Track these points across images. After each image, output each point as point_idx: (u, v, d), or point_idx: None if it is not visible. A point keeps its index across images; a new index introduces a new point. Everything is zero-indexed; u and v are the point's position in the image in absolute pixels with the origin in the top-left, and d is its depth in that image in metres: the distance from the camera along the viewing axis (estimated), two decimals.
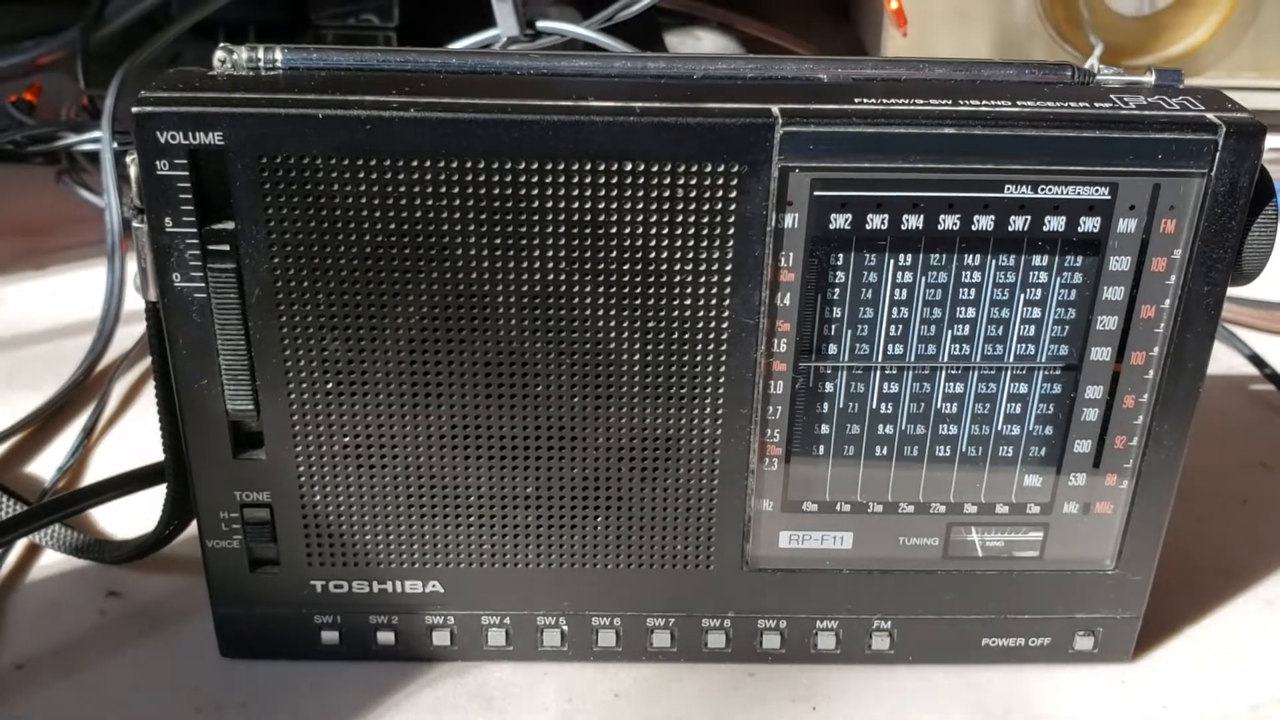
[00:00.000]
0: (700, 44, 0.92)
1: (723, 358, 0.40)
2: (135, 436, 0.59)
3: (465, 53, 0.40)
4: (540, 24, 0.69)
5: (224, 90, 0.37)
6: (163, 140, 0.36)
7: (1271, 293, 0.73)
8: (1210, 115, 0.37)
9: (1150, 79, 0.40)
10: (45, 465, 0.56)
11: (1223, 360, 0.67)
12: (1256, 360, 0.65)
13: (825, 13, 1.03)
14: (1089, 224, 0.38)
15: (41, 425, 0.59)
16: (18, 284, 0.72)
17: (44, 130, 0.79)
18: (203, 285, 0.38)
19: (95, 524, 0.53)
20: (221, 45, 0.39)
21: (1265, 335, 0.69)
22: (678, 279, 0.39)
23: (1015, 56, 0.93)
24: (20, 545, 0.50)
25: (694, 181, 0.37)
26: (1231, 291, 0.66)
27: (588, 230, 0.38)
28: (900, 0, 0.69)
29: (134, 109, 0.36)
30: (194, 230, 0.37)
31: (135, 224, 0.38)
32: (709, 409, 0.41)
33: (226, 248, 0.38)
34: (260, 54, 0.39)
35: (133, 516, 0.51)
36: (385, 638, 0.44)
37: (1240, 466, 0.59)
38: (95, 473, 0.56)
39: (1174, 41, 0.90)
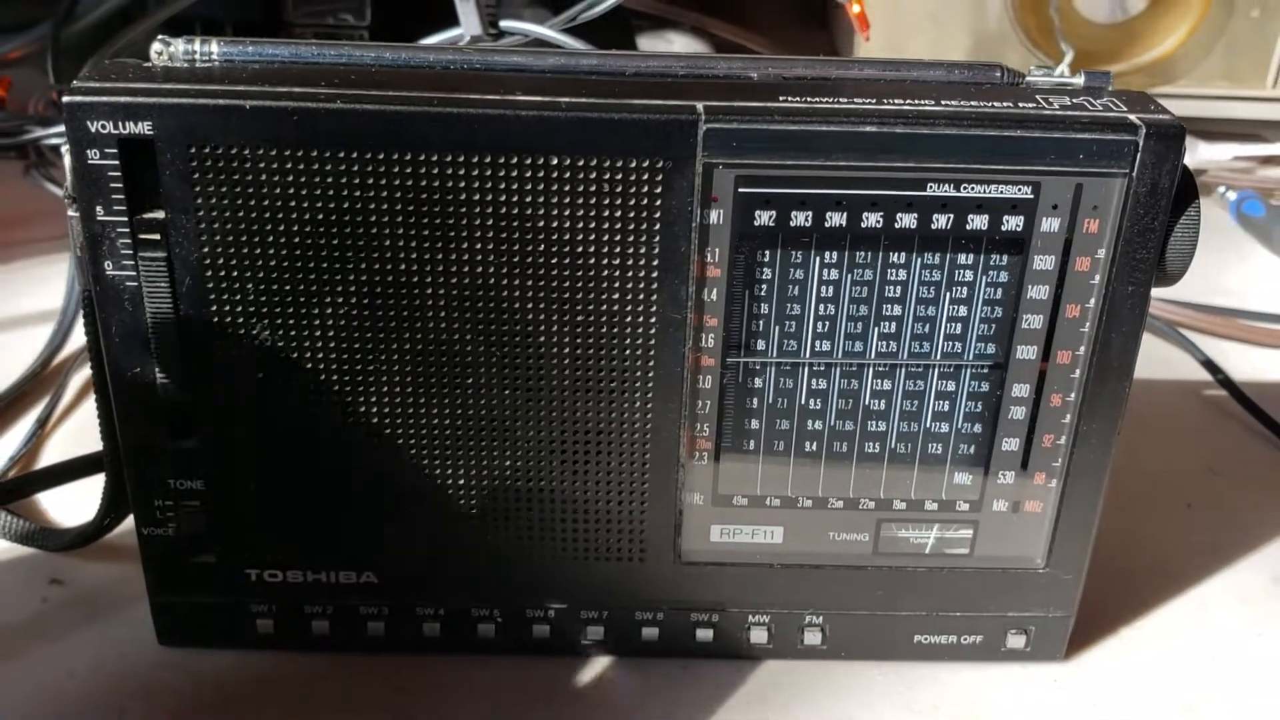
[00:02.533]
0: (672, 47, 0.92)
1: (651, 352, 0.40)
2: (90, 428, 0.58)
3: (400, 47, 0.41)
4: (504, 24, 0.69)
5: (156, 81, 0.37)
6: (93, 129, 0.36)
7: (1225, 298, 0.73)
8: (1132, 116, 0.37)
9: (1079, 81, 0.40)
10: (1, 453, 0.57)
11: (1176, 365, 0.67)
12: (1210, 365, 0.66)
13: (801, 17, 1.03)
14: (1012, 223, 0.38)
15: None
16: None
17: (12, 125, 0.79)
18: (134, 274, 0.38)
19: (45, 512, 0.53)
20: (159, 37, 0.40)
21: (1219, 340, 0.69)
22: (605, 274, 0.39)
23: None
24: None
25: (619, 177, 0.37)
26: (1186, 296, 0.67)
27: (515, 224, 0.38)
28: (862, 5, 0.69)
29: (64, 98, 0.37)
30: (125, 219, 0.38)
31: (70, 212, 0.38)
32: (638, 403, 0.41)
33: (157, 237, 0.38)
34: (196, 46, 0.39)
35: (85, 504, 0.51)
36: (320, 627, 0.45)
37: (1188, 471, 0.59)
38: (48, 462, 0.56)
39: (1146, 49, 0.90)
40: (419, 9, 0.80)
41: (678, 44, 0.93)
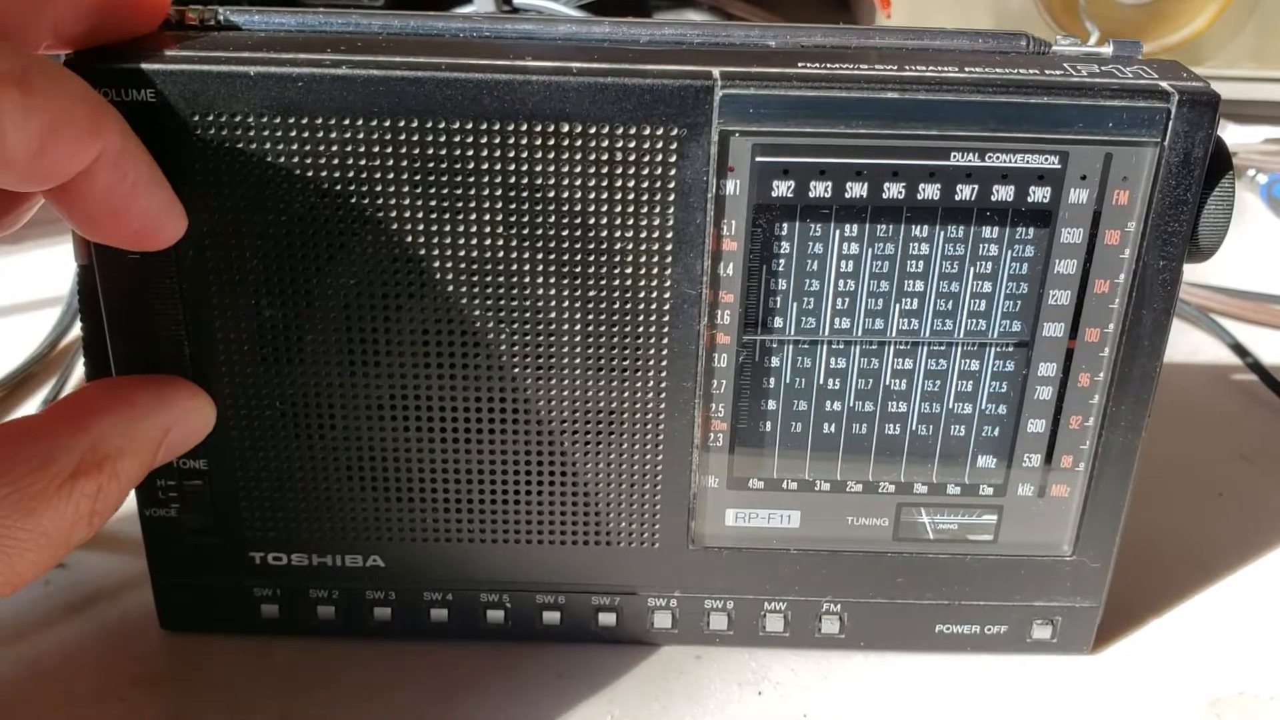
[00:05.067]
0: None
1: (665, 329, 0.39)
2: None
3: (408, 15, 0.39)
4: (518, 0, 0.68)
5: (159, 47, 0.36)
6: None
7: (1256, 283, 0.72)
8: (1163, 83, 0.36)
9: (1108, 49, 0.39)
10: None
11: (1206, 350, 0.65)
12: (1239, 350, 0.64)
13: None
14: (1039, 194, 0.37)
15: (5, 396, 0.59)
16: None
17: None
18: None
19: None
20: None
21: (1249, 325, 0.68)
22: (618, 246, 0.38)
23: None
24: None
25: (632, 145, 0.36)
26: (1217, 280, 0.65)
27: (524, 194, 0.37)
28: None
29: (66, 64, 0.36)
30: None
31: None
32: (652, 382, 0.40)
33: None
34: (202, 12, 0.38)
35: None
36: (326, 612, 0.44)
37: (1219, 458, 0.57)
38: None
39: (1173, 30, 0.88)
40: None
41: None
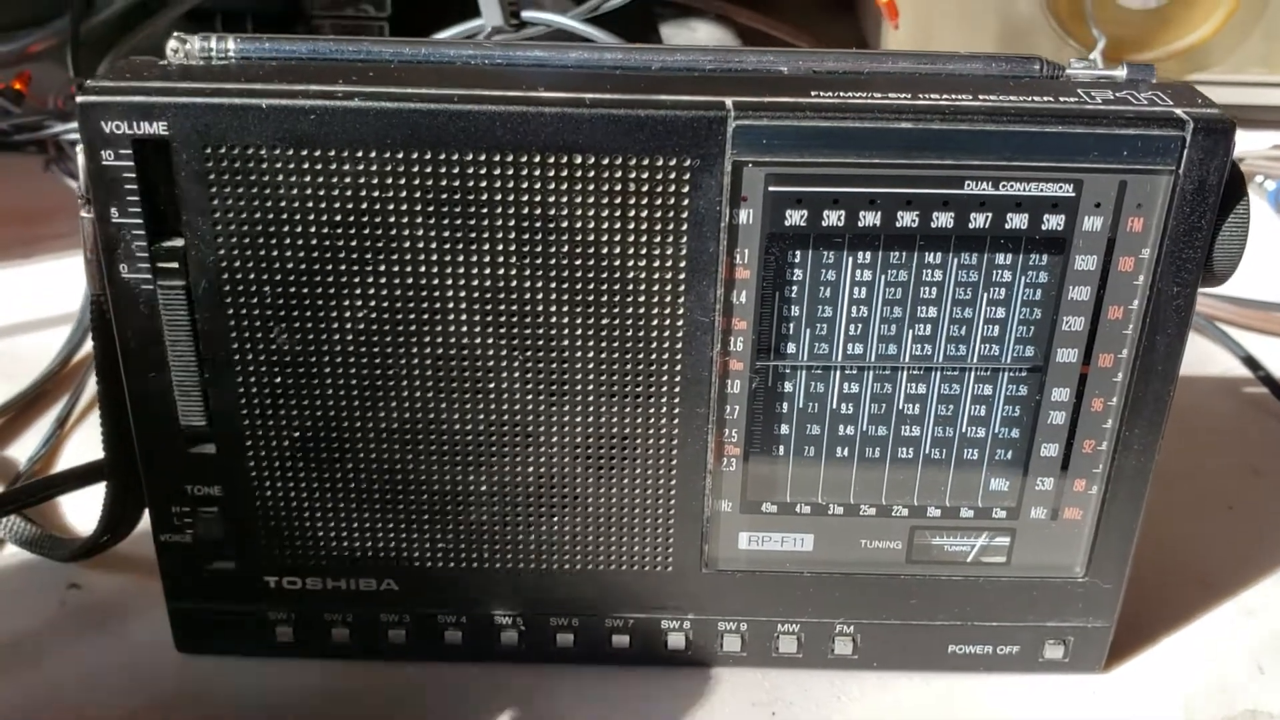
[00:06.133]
0: (696, 35, 0.91)
1: (678, 356, 0.39)
2: None
3: (420, 42, 0.40)
4: (526, 14, 0.68)
5: (171, 80, 0.36)
6: (107, 130, 0.36)
7: (1266, 293, 0.71)
8: (1178, 110, 0.36)
9: (1122, 73, 0.39)
10: (21, 453, 0.56)
11: (1216, 362, 0.65)
12: (1250, 362, 0.64)
13: (826, 4, 1.02)
14: (1053, 222, 0.37)
15: (17, 414, 0.59)
16: (4, 271, 0.72)
17: (32, 119, 0.79)
18: (150, 276, 0.37)
19: (63, 516, 0.52)
20: (175, 35, 0.39)
21: (1260, 336, 0.68)
22: (630, 275, 0.38)
23: (1018, 50, 0.92)
24: None
25: (645, 176, 0.36)
26: (1226, 291, 0.65)
27: (538, 225, 0.37)
28: None
29: (79, 98, 0.36)
30: (140, 221, 0.37)
31: (82, 214, 0.37)
32: (665, 408, 0.40)
33: (173, 239, 0.37)
34: (213, 43, 0.39)
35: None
36: (340, 635, 0.44)
37: (1229, 471, 0.57)
38: (67, 462, 0.56)
39: (1180, 35, 0.88)
40: (437, 0, 0.79)
41: (701, 32, 0.91)
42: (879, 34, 0.91)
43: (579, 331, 0.38)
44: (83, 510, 0.52)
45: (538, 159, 0.36)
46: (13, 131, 0.79)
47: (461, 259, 0.37)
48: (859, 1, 1.03)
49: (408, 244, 0.37)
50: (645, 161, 0.36)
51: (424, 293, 0.38)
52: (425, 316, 0.38)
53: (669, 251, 0.37)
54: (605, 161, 0.36)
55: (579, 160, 0.36)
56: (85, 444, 0.57)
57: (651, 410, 0.40)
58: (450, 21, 0.71)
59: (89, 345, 0.64)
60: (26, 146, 0.81)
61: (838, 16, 1.01)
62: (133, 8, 0.80)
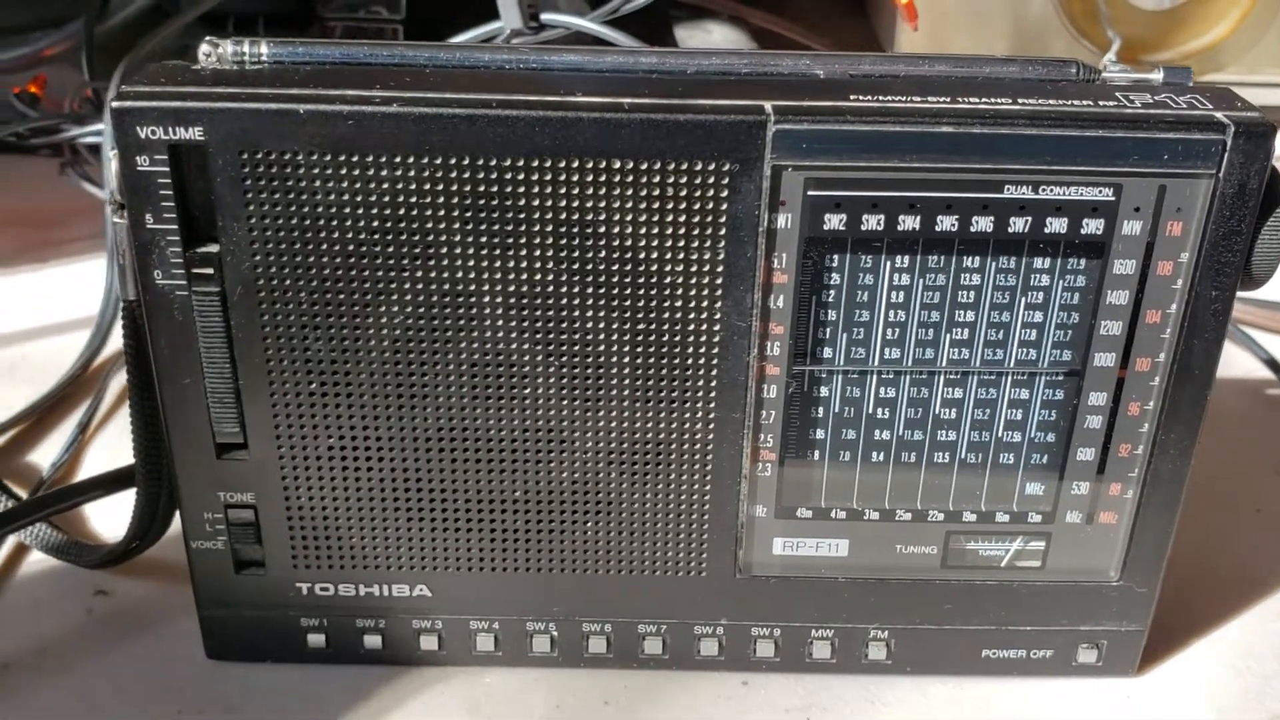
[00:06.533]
0: (710, 37, 0.91)
1: (714, 361, 0.39)
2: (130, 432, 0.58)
3: (453, 46, 0.39)
4: (544, 16, 0.68)
5: (206, 85, 0.36)
6: (143, 135, 0.35)
7: None
8: (1218, 114, 0.36)
9: (1158, 77, 0.39)
10: (44, 458, 0.56)
11: (1238, 364, 0.65)
12: (1273, 364, 0.64)
13: (840, 6, 1.01)
14: (1092, 226, 0.37)
15: (39, 419, 0.59)
16: (21, 276, 0.72)
17: (47, 123, 0.78)
18: (184, 282, 0.37)
19: (88, 522, 0.52)
20: (207, 39, 0.39)
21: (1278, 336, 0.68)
22: (668, 280, 0.38)
23: (1031, 51, 0.91)
24: (11, 541, 0.50)
25: (684, 180, 0.36)
26: (1248, 293, 0.64)
27: (575, 230, 0.37)
28: None
29: (113, 103, 0.36)
30: (175, 227, 0.36)
31: (115, 220, 0.37)
32: (701, 413, 0.40)
33: (208, 245, 0.37)
34: (246, 47, 0.38)
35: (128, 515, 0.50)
36: (372, 641, 0.44)
37: (1255, 473, 0.57)
38: (90, 468, 0.56)
39: (1194, 36, 0.88)
40: (453, 2, 0.78)
41: (716, 34, 0.91)
42: (893, 35, 0.91)
43: (615, 336, 0.38)
44: (108, 516, 0.52)
45: (576, 164, 0.36)
46: (29, 135, 0.79)
47: (499, 264, 0.37)
48: (871, 3, 1.03)
49: (445, 249, 0.37)
50: (684, 166, 0.36)
51: (461, 298, 0.38)
52: (462, 322, 0.38)
53: (707, 256, 0.37)
54: (644, 166, 0.36)
55: (617, 165, 0.36)
56: (108, 449, 0.57)
57: (687, 415, 0.40)
58: (465, 25, 0.70)
59: (109, 349, 0.64)
60: (42, 150, 0.81)
61: (850, 18, 1.01)
62: (148, 11, 0.80)
